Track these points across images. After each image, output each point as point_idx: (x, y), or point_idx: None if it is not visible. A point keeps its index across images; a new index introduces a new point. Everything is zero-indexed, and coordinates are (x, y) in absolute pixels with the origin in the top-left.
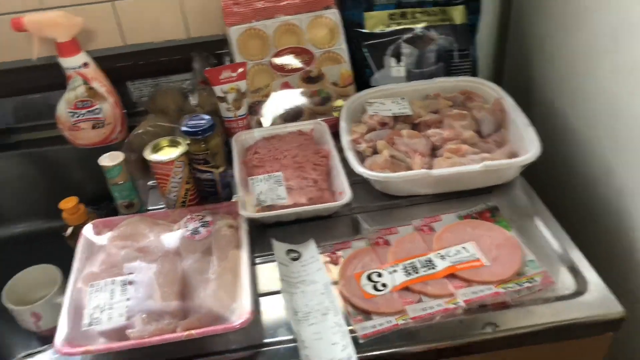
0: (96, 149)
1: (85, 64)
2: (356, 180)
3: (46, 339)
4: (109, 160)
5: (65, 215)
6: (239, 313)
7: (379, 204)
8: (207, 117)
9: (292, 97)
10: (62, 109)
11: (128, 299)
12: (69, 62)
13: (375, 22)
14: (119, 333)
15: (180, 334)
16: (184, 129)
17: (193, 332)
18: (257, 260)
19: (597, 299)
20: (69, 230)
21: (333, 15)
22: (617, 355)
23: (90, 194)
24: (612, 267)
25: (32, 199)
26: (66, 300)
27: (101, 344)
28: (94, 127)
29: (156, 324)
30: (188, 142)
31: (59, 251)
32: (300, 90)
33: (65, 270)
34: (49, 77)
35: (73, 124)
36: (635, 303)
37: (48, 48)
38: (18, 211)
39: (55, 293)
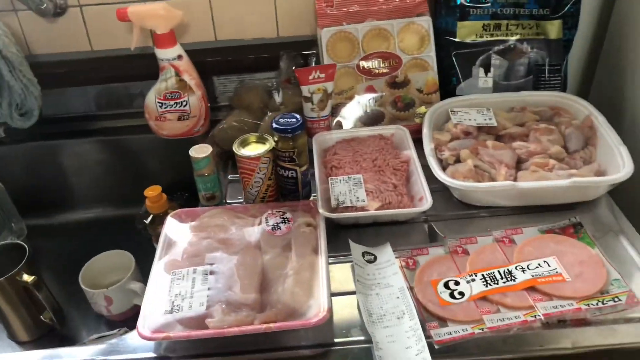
0: (176, 141)
1: (179, 57)
2: (434, 188)
3: (114, 323)
4: (199, 152)
5: (148, 203)
6: (315, 310)
7: (457, 213)
8: (297, 116)
9: (374, 101)
10: (151, 98)
11: (209, 289)
12: (164, 54)
13: (468, 31)
14: (197, 321)
15: (259, 327)
16: (274, 126)
17: (272, 325)
18: (330, 260)
19: None
20: (150, 217)
21: (425, 22)
22: None
23: (163, 185)
24: None
25: (107, 186)
26: (149, 286)
27: (180, 331)
28: (179, 119)
29: (235, 315)
30: (276, 139)
31: (130, 238)
32: (384, 94)
33: (137, 257)
34: (139, 67)
35: (160, 114)
36: None
37: (142, 39)
38: (93, 196)
39: (128, 279)
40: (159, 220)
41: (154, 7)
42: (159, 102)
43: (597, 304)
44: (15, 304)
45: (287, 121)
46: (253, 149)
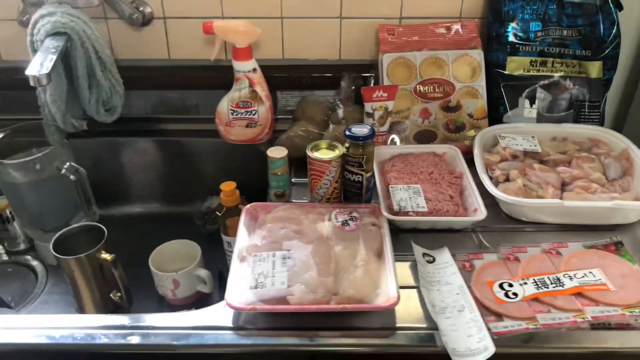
0: (240, 146)
1: (254, 70)
2: (485, 203)
3: (176, 307)
4: (275, 153)
5: (223, 197)
6: (384, 297)
7: (505, 226)
8: (368, 126)
9: (428, 122)
10: (224, 105)
11: (288, 271)
12: (241, 66)
13: (517, 66)
14: (277, 299)
15: (336, 306)
16: (348, 133)
17: (348, 305)
18: None
19: None
20: (223, 210)
21: (478, 55)
22: None
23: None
24: None
25: (168, 184)
26: (234, 263)
27: (265, 305)
28: (247, 126)
29: (313, 295)
30: (347, 145)
31: (189, 233)
32: (437, 116)
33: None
34: (211, 77)
35: (231, 120)
36: None
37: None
38: (155, 192)
39: (195, 266)
40: (230, 213)
41: (236, 23)
42: (231, 109)
43: (639, 312)
44: (90, 281)
45: (360, 130)
46: (325, 154)
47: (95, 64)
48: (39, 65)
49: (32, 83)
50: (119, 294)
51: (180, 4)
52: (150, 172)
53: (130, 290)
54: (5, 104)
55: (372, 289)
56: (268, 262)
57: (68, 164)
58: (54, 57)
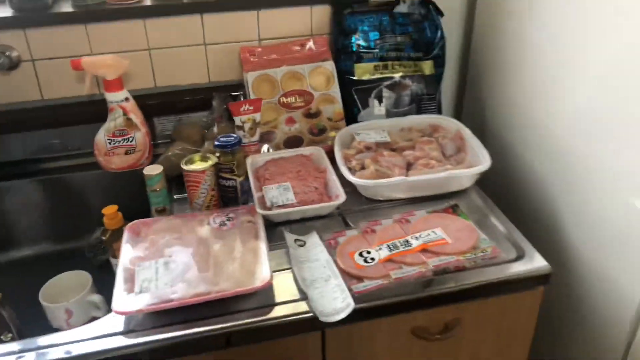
0: (122, 173)
1: (126, 99)
2: (346, 191)
3: None
4: (151, 170)
5: (106, 220)
6: (260, 280)
7: (364, 207)
8: (234, 135)
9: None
10: (101, 136)
11: (170, 273)
12: (113, 97)
13: (363, 71)
14: (162, 299)
15: (215, 295)
16: (217, 143)
17: (227, 293)
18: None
19: (532, 262)
20: (108, 233)
21: (330, 66)
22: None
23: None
24: (542, 242)
25: (51, 223)
26: (118, 275)
27: (151, 306)
28: (126, 153)
29: (194, 290)
30: (218, 154)
31: (80, 266)
32: (301, 123)
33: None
34: (84, 113)
35: (109, 150)
36: (558, 265)
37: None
38: (38, 233)
39: (86, 293)
40: (116, 235)
41: (104, 57)
42: (108, 139)
43: (471, 257)
44: None
45: (227, 139)
46: (199, 165)
47: None
48: None
49: None
50: (10, 335)
51: (47, 45)
52: (35, 213)
53: (23, 329)
54: None
55: (249, 276)
56: (151, 269)
57: None
58: None
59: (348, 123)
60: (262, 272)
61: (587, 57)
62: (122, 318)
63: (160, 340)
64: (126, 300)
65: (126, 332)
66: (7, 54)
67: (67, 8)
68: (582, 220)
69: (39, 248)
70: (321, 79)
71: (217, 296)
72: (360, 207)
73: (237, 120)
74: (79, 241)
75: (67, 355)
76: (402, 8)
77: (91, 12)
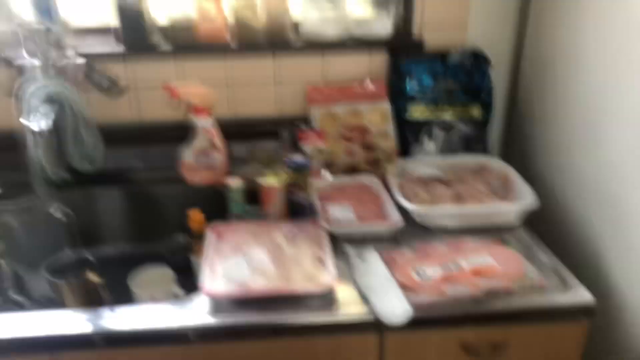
0: (201, 188)
1: (211, 124)
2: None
3: None
4: (233, 182)
5: (191, 222)
6: (327, 281)
7: (416, 232)
8: (304, 158)
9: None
10: (187, 155)
11: (249, 268)
12: (201, 122)
13: (416, 111)
14: (241, 286)
15: (288, 289)
16: (289, 162)
17: (299, 288)
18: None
19: (576, 294)
20: (191, 234)
21: (386, 105)
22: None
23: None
24: (587, 277)
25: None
26: (204, 267)
27: (234, 292)
28: (207, 170)
29: (271, 283)
30: (289, 172)
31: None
32: (359, 154)
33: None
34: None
35: (193, 165)
36: (603, 299)
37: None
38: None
39: (169, 285)
40: (198, 237)
41: (194, 87)
42: (193, 157)
43: (519, 284)
44: (80, 303)
45: (297, 160)
46: (273, 181)
47: (80, 124)
48: (40, 123)
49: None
50: None
51: (148, 76)
52: (123, 217)
53: None
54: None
55: (317, 277)
56: (233, 263)
57: (56, 205)
58: (51, 117)
59: (401, 157)
60: (328, 275)
61: (631, 105)
62: (206, 300)
63: (238, 322)
64: (212, 285)
65: (212, 312)
66: (116, 81)
67: (166, 47)
68: (627, 258)
69: (122, 248)
70: (378, 117)
71: (290, 290)
72: (413, 232)
73: (303, 147)
74: (159, 245)
75: (158, 327)
76: (454, 57)
77: (184, 49)
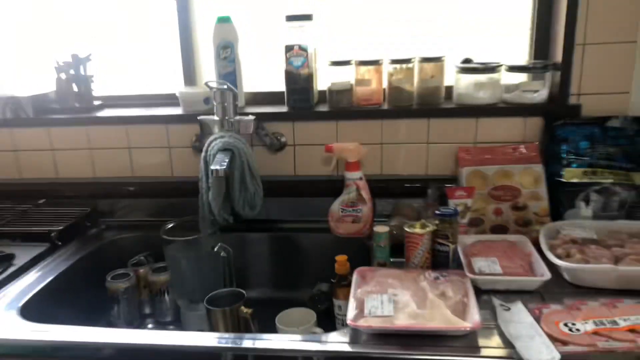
0: (345, 238)
1: (360, 178)
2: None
3: None
4: (380, 229)
5: (337, 266)
6: (471, 323)
7: (567, 290)
8: (452, 208)
9: (503, 217)
10: (336, 206)
11: (393, 306)
12: (351, 175)
13: (572, 175)
14: (383, 322)
15: (430, 327)
16: (437, 212)
17: (442, 326)
18: None
19: None
20: (337, 277)
21: (539, 168)
22: None
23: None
24: None
25: (282, 271)
26: (350, 303)
27: (377, 325)
28: (352, 222)
29: (413, 321)
30: (437, 222)
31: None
32: (508, 214)
33: None
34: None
35: (340, 217)
36: None
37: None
38: (270, 278)
39: (312, 325)
40: (342, 280)
41: (348, 144)
42: (341, 208)
43: None
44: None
45: (446, 210)
46: (419, 230)
47: (246, 173)
48: (219, 164)
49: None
50: None
51: (306, 134)
52: (273, 260)
53: None
54: (171, 206)
55: (460, 320)
56: (377, 300)
57: (219, 244)
58: (225, 163)
59: (553, 220)
60: (473, 317)
61: None
62: (350, 331)
63: (379, 353)
64: (355, 317)
65: (351, 343)
66: (279, 138)
67: (324, 108)
68: None
69: (264, 291)
70: (530, 179)
71: (432, 328)
72: (563, 290)
73: (451, 203)
74: (300, 291)
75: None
76: (614, 122)
77: (342, 112)
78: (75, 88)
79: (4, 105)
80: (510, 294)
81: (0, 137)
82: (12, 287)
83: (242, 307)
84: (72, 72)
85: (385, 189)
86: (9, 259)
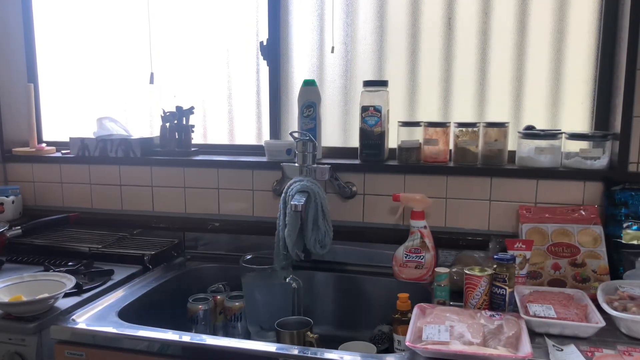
0: (406, 283)
1: (425, 226)
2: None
3: None
4: (441, 270)
5: (399, 302)
6: (523, 353)
7: (620, 340)
8: (510, 253)
9: (561, 272)
10: (401, 251)
11: (449, 334)
12: (416, 223)
13: (631, 237)
14: (440, 347)
15: (483, 353)
16: (496, 256)
17: (495, 353)
18: None
19: None
20: (398, 313)
21: (598, 229)
22: None
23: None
24: None
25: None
26: (410, 329)
27: (432, 347)
28: (415, 267)
29: (467, 347)
30: (495, 265)
31: None
32: (566, 269)
33: None
34: (388, 234)
35: (404, 262)
36: None
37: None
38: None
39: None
40: (403, 316)
41: (414, 194)
42: (405, 254)
43: None
44: None
45: (504, 255)
46: (478, 272)
47: (319, 214)
48: (297, 201)
49: (292, 209)
50: None
51: (375, 185)
52: (336, 299)
53: None
54: (252, 242)
55: (512, 351)
56: (435, 329)
57: (291, 275)
58: (302, 202)
59: (612, 279)
60: (525, 348)
61: None
62: (408, 354)
63: None
64: (414, 341)
65: None
66: (350, 187)
67: (394, 162)
68: None
69: (327, 329)
70: (589, 238)
71: (486, 355)
72: (617, 340)
73: (510, 253)
74: (360, 332)
75: None
76: None
77: (410, 167)
78: (176, 135)
79: (117, 145)
80: (564, 339)
81: (110, 173)
82: (112, 295)
83: (309, 332)
84: (175, 121)
85: (448, 240)
86: (109, 273)
